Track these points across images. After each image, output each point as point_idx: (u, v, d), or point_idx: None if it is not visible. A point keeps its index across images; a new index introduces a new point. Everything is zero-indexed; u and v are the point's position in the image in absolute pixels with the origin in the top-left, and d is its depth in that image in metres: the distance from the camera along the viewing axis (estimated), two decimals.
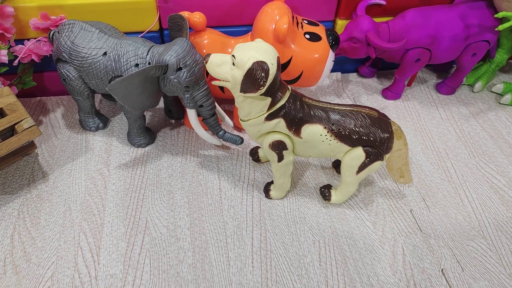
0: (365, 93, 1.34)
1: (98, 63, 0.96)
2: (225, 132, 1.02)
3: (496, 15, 1.10)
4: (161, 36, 1.20)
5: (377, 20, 1.16)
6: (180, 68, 0.89)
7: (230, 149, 1.12)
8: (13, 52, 1.06)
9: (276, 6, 0.99)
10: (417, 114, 1.27)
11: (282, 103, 0.82)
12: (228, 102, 1.28)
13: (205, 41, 1.04)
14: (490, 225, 0.97)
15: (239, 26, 1.19)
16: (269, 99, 0.81)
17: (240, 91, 0.79)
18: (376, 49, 1.14)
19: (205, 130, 1.04)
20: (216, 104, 1.00)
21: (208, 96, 0.96)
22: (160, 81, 0.94)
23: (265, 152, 0.91)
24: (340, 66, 1.39)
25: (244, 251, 0.90)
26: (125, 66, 0.94)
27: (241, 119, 0.88)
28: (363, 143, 0.84)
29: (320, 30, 1.05)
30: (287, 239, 0.93)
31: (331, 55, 1.05)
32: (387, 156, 0.87)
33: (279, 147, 0.87)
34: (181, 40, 0.91)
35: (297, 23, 1.03)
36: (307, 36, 1.03)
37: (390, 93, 1.30)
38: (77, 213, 0.95)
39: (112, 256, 0.88)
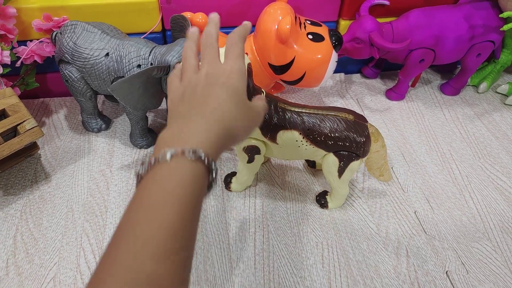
0: (368, 94, 1.33)
1: (100, 64, 0.96)
2: None
3: (501, 15, 1.10)
4: (163, 37, 1.20)
5: (381, 20, 1.15)
6: None
7: (232, 149, 1.12)
8: (15, 53, 1.06)
9: (279, 7, 0.99)
10: (421, 115, 1.26)
11: None
12: None
13: None
14: (495, 227, 0.96)
15: None
16: None
17: None
18: (379, 49, 1.13)
19: None
20: None
21: None
22: (162, 82, 0.94)
23: (237, 152, 0.91)
24: (343, 67, 1.38)
25: (246, 252, 0.89)
26: (127, 67, 0.94)
27: None
28: (339, 148, 0.83)
29: (323, 30, 1.05)
30: (290, 241, 0.92)
31: (334, 56, 1.05)
32: (364, 159, 0.86)
33: (252, 151, 0.87)
34: (183, 40, 0.91)
35: (300, 24, 1.02)
36: (310, 36, 1.02)
37: (394, 94, 1.30)
38: (79, 214, 0.95)
39: None
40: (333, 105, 1.27)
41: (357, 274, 0.86)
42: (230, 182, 1.00)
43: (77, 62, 0.98)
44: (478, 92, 1.35)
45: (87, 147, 1.11)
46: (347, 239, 0.93)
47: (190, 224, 0.47)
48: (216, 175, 0.52)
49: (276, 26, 0.97)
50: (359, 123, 0.83)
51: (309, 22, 1.05)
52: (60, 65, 1.01)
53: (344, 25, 1.24)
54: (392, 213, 0.98)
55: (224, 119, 0.54)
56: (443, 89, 1.34)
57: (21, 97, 1.01)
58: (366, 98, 1.31)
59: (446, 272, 0.87)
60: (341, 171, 0.87)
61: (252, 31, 1.06)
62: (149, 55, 0.93)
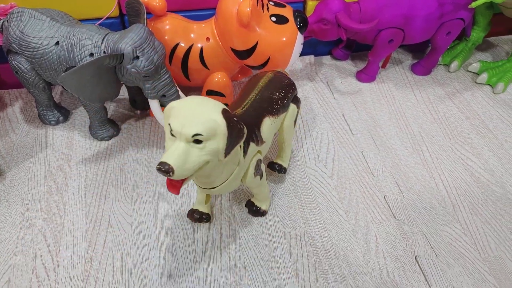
0: (339, 76, 1.30)
1: (51, 54, 0.90)
2: None
3: None
4: (121, 22, 1.14)
5: (348, 0, 1.12)
6: (137, 57, 0.84)
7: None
8: None
9: None
10: (392, 97, 1.23)
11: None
12: (194, 90, 1.22)
13: (167, 27, 0.99)
14: (465, 209, 0.95)
15: (203, 10, 1.14)
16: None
17: (226, 155, 0.66)
18: (347, 30, 1.10)
19: None
20: (180, 92, 0.96)
21: (171, 84, 0.91)
22: (117, 71, 0.89)
23: (248, 185, 0.82)
24: (313, 48, 1.34)
25: (212, 246, 0.86)
26: (79, 56, 0.89)
27: (210, 188, 0.75)
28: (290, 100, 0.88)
29: (287, 12, 1.00)
30: (257, 232, 0.89)
31: (300, 38, 1.01)
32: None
33: (259, 168, 0.82)
34: (137, 26, 0.85)
35: (263, 5, 0.98)
36: (273, 18, 0.98)
37: (365, 76, 1.27)
38: (35, 212, 0.91)
39: (73, 257, 0.84)
40: (300, 90, 1.23)
41: (325, 263, 0.84)
42: (259, 208, 0.91)
43: (25, 52, 0.92)
44: (449, 71, 1.33)
45: (44, 141, 1.06)
46: (315, 228, 0.90)
47: None
48: None
49: (237, 9, 0.92)
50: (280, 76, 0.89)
51: (273, 4, 1.00)
52: (9, 55, 0.95)
53: (311, 5, 1.20)
54: (361, 198, 0.96)
55: None
56: (414, 69, 1.32)
57: None
58: (336, 80, 1.28)
59: (415, 257, 0.86)
60: (296, 117, 0.92)
61: (213, 14, 1.01)
62: (102, 42, 0.88)
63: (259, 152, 0.81)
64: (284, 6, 1.01)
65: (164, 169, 0.60)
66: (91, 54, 0.88)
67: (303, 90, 1.24)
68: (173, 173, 0.60)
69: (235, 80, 1.24)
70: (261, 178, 0.84)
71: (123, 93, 1.15)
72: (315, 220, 0.92)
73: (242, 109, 0.80)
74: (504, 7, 1.21)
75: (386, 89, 1.26)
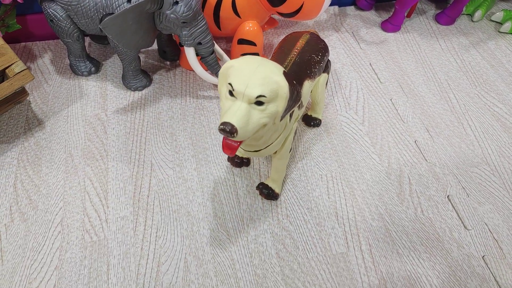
0: (363, 26, 1.30)
1: (87, 0, 0.90)
2: None
3: None
4: None
5: None
6: (177, 2, 0.84)
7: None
8: None
9: None
10: (417, 46, 1.24)
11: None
12: (225, 39, 1.23)
13: None
14: (493, 152, 0.98)
15: None
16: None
17: (282, 118, 0.65)
18: None
19: (204, 69, 1.01)
20: (214, 41, 0.96)
21: (207, 32, 0.92)
22: (155, 17, 0.89)
23: (282, 153, 0.80)
24: None
25: (252, 188, 0.90)
26: (116, 3, 0.88)
27: (254, 151, 0.74)
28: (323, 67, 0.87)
29: None
30: (295, 175, 0.92)
31: None
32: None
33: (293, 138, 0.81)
34: None
35: None
36: None
37: (390, 25, 1.27)
38: (79, 159, 0.93)
39: (121, 199, 0.87)
40: (327, 40, 1.24)
41: (362, 203, 0.88)
42: (273, 189, 0.87)
43: None
44: (472, 21, 1.33)
45: (79, 92, 1.07)
46: (350, 171, 0.94)
47: None
48: None
49: None
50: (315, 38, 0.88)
51: None
52: (43, 3, 0.95)
53: None
54: (393, 143, 0.99)
55: None
56: (438, 19, 1.32)
57: None
58: (361, 30, 1.28)
59: (447, 197, 0.90)
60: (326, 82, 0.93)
61: None
62: None
63: (298, 116, 0.80)
64: None
65: (229, 129, 0.58)
66: (129, 0, 0.88)
67: (330, 40, 1.24)
68: (237, 133, 0.58)
69: (262, 31, 1.24)
70: (289, 151, 0.82)
71: (153, 44, 1.15)
72: (349, 163, 0.95)
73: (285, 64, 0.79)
74: None
75: (411, 39, 1.26)
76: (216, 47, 0.99)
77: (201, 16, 0.90)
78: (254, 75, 0.60)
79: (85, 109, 1.03)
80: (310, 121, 1.00)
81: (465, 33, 1.29)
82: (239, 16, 1.03)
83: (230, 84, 0.61)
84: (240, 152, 0.92)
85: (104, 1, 0.89)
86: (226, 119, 0.59)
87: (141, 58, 1.16)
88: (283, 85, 0.60)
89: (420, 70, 1.17)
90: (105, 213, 0.85)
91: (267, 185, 0.88)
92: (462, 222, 0.86)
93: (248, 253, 0.80)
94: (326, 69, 0.91)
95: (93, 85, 1.09)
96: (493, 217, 0.87)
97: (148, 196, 0.88)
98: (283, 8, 1.00)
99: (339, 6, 1.35)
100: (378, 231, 0.84)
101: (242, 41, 1.07)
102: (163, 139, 0.97)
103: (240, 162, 0.92)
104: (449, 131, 1.02)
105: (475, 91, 1.12)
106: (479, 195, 0.90)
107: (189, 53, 0.95)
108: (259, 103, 0.60)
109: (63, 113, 1.02)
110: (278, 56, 0.82)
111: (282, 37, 1.25)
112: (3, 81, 0.87)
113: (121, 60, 1.01)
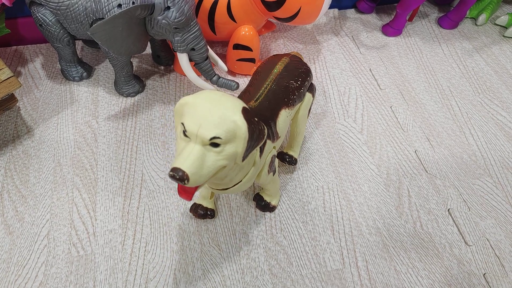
0: (364, 30, 1.26)
1: (77, 5, 0.87)
2: (219, 77, 0.96)
3: None
4: None
5: None
6: (168, 7, 0.81)
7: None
8: None
9: None
10: (419, 51, 1.21)
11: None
12: (220, 44, 1.20)
13: None
14: (496, 163, 0.95)
15: None
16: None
17: (244, 159, 0.59)
18: None
19: (198, 75, 0.98)
20: (208, 47, 0.93)
21: (201, 37, 0.89)
22: (146, 22, 0.86)
23: (262, 183, 0.76)
24: (337, 1, 1.30)
25: (246, 200, 0.87)
26: (106, 8, 0.85)
27: (222, 189, 0.68)
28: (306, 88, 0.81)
29: None
30: (290, 187, 0.89)
31: None
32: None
33: (273, 165, 0.75)
34: None
35: None
36: None
37: (391, 29, 1.23)
38: (68, 168, 0.91)
39: (109, 211, 0.84)
40: (325, 44, 1.20)
41: (359, 216, 0.85)
42: (269, 203, 0.84)
43: (50, 3, 0.88)
44: (476, 25, 1.30)
45: (69, 97, 1.04)
46: (347, 182, 0.91)
47: None
48: None
49: None
50: (296, 61, 0.81)
51: None
52: (32, 7, 0.92)
53: None
54: (392, 153, 0.96)
55: None
56: (441, 22, 1.28)
57: None
58: (361, 34, 1.25)
59: (448, 210, 0.87)
60: (311, 106, 0.84)
61: None
62: None
63: (273, 148, 0.74)
64: None
65: (178, 176, 0.52)
66: (119, 5, 0.85)
67: (328, 44, 1.21)
68: (188, 180, 0.53)
69: (259, 35, 1.21)
70: (273, 174, 0.76)
71: (146, 49, 1.12)
72: (347, 174, 0.92)
73: (255, 101, 0.71)
74: None
75: (413, 43, 1.23)
76: (211, 52, 0.96)
77: (194, 21, 0.87)
78: (209, 114, 0.54)
79: (76, 116, 1.00)
80: (285, 157, 0.89)
81: (468, 38, 1.25)
82: (234, 21, 1.00)
83: (182, 123, 0.55)
84: (207, 191, 0.81)
85: (94, 6, 0.86)
86: (177, 164, 0.53)
87: (134, 62, 1.13)
88: (241, 125, 0.54)
89: (422, 76, 1.13)
90: (93, 226, 0.82)
91: (261, 196, 0.85)
92: (463, 238, 0.83)
93: (240, 269, 0.78)
94: (311, 90, 0.83)
95: (85, 91, 1.06)
96: (495, 232, 0.84)
97: (138, 208, 0.85)
98: (279, 13, 0.97)
99: (339, 9, 1.32)
100: (375, 246, 0.81)
101: (237, 46, 1.04)
102: (154, 148, 0.95)
103: (204, 214, 0.82)
104: (451, 141, 0.99)
105: (478, 99, 1.08)
106: (480, 209, 0.87)
107: (182, 59, 0.92)
108: (215, 144, 0.54)
109: (53, 120, 0.99)
110: (254, 83, 0.76)
111: (280, 41, 1.22)
112: None
113: (113, 66, 0.98)
